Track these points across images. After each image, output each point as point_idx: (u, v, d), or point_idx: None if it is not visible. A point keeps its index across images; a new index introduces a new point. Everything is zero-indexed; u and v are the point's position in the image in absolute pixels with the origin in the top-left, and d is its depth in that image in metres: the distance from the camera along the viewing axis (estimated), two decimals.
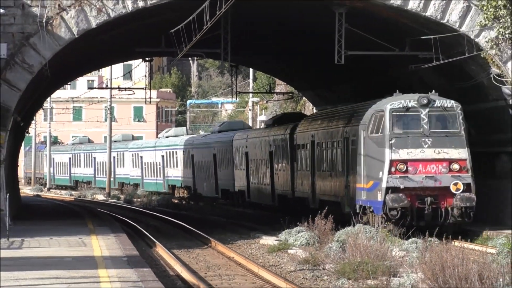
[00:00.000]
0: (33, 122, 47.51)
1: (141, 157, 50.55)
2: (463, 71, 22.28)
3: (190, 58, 52.11)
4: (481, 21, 20.98)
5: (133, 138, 64.07)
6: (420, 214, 16.71)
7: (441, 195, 16.87)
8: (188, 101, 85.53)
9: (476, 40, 20.97)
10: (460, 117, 18.01)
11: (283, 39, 31.46)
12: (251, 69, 55.82)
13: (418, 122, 17.47)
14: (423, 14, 21.00)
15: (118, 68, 60.90)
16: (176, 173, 47.35)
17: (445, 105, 17.92)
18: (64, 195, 64.00)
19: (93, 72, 68.52)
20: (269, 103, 60.48)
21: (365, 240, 14.18)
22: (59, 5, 20.45)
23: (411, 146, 17.11)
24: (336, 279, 12.24)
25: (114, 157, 58.20)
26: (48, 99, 51.66)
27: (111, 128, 59.26)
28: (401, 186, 16.65)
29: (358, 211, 19.67)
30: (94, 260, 13.44)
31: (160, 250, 19.72)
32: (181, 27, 20.07)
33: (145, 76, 46.99)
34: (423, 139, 17.13)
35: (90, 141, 73.51)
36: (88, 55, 29.65)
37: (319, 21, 24.20)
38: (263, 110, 60.58)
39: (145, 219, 35.32)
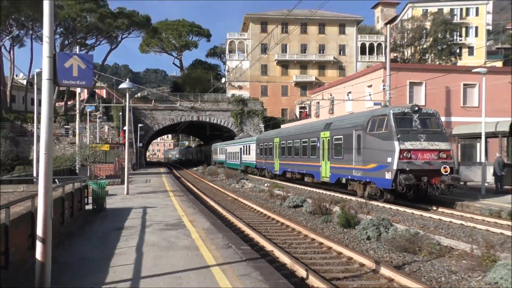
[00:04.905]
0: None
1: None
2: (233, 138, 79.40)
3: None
4: (236, 125, 70.66)
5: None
6: (418, 188, 18.75)
7: (433, 175, 18.61)
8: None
9: (234, 130, 70.49)
10: (440, 120, 20.19)
11: (196, 128, 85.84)
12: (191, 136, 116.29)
13: (413, 123, 19.27)
14: (226, 125, 71.10)
15: None
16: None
17: (429, 112, 20.07)
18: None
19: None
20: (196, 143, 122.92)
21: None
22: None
23: (412, 139, 18.75)
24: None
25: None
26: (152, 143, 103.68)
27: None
28: (407, 169, 18.32)
29: (343, 182, 24.15)
30: (167, 190, 25.71)
31: (188, 184, 37.86)
32: (177, 128, 78.72)
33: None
34: (419, 135, 18.93)
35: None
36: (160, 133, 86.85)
37: (205, 125, 74.87)
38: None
39: (177, 168, 66.50)
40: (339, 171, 23.80)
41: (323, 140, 25.94)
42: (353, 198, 22.13)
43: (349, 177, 22.66)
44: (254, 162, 43.60)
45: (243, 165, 49.10)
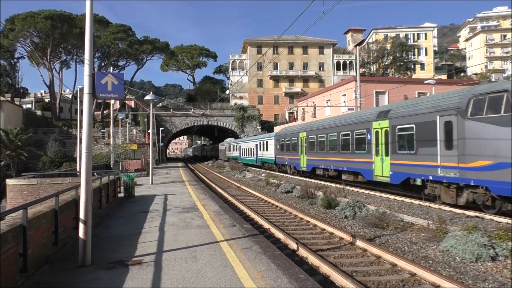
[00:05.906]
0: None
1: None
2: (237, 137, 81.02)
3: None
4: (239, 128, 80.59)
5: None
6: None
7: None
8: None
9: (236, 131, 70.23)
10: None
11: (206, 130, 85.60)
12: (202, 136, 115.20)
13: None
14: (230, 128, 68.35)
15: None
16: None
17: None
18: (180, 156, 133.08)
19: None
20: (206, 142, 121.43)
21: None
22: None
23: None
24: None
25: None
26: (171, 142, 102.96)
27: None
28: None
29: (418, 183, 14.95)
30: (184, 181, 24.92)
31: (200, 175, 36.89)
32: (191, 130, 78.37)
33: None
34: None
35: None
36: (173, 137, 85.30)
37: (213, 127, 75.47)
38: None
39: (191, 162, 71.28)
40: (408, 169, 15.43)
41: (377, 131, 17.75)
42: (355, 189, 19.36)
43: (430, 178, 14.07)
44: (273, 158, 35.01)
45: (260, 161, 40.06)
